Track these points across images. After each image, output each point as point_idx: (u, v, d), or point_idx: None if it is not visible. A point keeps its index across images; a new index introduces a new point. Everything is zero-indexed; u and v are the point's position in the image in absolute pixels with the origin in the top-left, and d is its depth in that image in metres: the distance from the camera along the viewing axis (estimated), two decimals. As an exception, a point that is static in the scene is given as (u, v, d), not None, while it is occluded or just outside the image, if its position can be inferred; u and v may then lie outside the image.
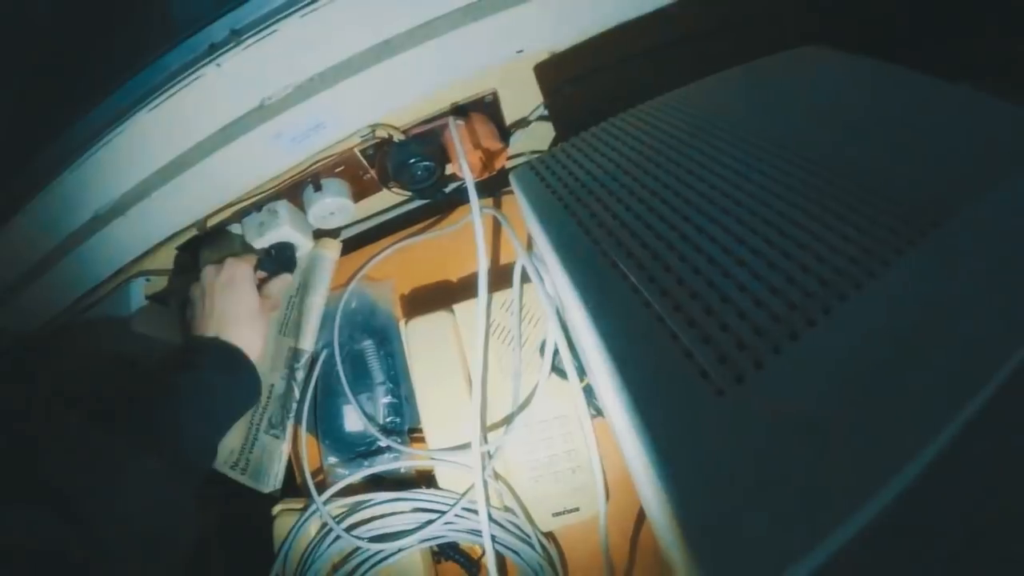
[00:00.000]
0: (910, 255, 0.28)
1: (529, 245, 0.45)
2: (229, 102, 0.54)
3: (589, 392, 0.48)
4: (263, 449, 0.57)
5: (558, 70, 0.58)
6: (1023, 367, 0.24)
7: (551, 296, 0.42)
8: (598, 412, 0.49)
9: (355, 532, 0.49)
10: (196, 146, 0.56)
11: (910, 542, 0.24)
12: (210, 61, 0.52)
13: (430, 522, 0.48)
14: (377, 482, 0.53)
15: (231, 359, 0.51)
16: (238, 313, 0.52)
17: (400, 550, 0.48)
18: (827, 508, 0.23)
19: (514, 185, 0.43)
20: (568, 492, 0.50)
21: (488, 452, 0.48)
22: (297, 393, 0.57)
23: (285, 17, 0.51)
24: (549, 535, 0.51)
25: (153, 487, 0.41)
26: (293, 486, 0.57)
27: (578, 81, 0.58)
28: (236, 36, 0.52)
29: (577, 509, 0.50)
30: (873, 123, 0.37)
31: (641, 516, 0.51)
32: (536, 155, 0.46)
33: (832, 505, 0.23)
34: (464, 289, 0.57)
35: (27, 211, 0.59)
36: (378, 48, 0.53)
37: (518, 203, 0.43)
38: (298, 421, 0.56)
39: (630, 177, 0.38)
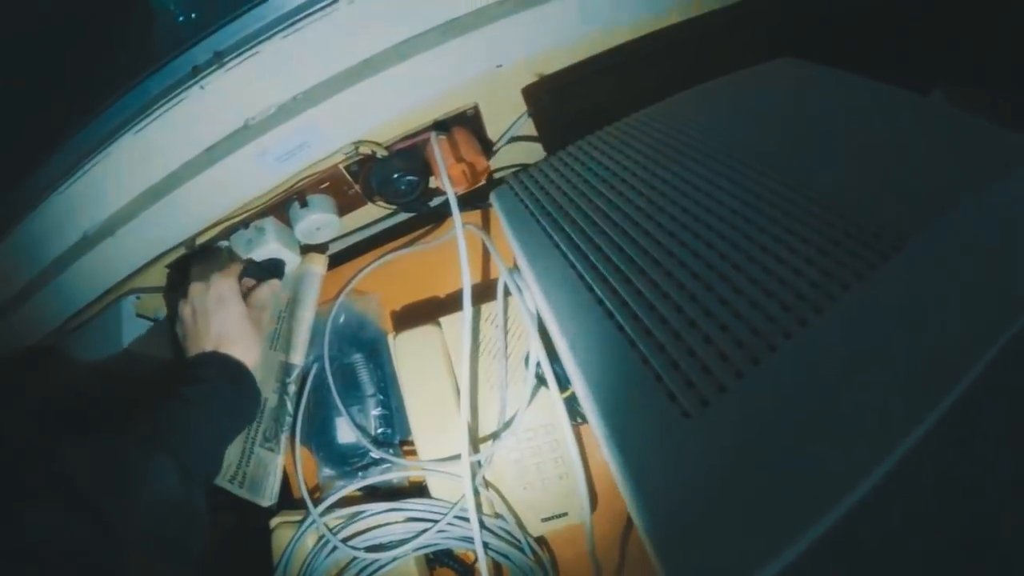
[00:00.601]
0: (870, 278, 0.30)
1: (514, 262, 0.47)
2: (213, 123, 0.55)
3: (573, 401, 0.50)
4: (259, 462, 0.59)
5: (540, 81, 0.59)
6: (974, 388, 0.26)
7: (532, 313, 0.43)
8: (584, 419, 0.51)
9: (352, 543, 0.51)
10: (182, 167, 0.57)
11: (866, 552, 0.26)
12: (194, 83, 0.53)
13: (424, 531, 0.50)
14: (372, 492, 0.56)
15: (234, 372, 0.53)
16: (230, 328, 0.54)
17: (395, 559, 0.50)
18: (786, 521, 0.25)
19: (494, 204, 0.45)
20: (556, 498, 0.52)
21: (478, 462, 0.50)
22: (290, 407, 0.59)
23: (267, 39, 0.52)
24: (540, 539, 0.53)
25: (168, 490, 0.43)
26: (290, 498, 0.59)
27: (560, 91, 0.59)
28: (219, 58, 0.53)
29: (566, 514, 0.52)
30: (843, 141, 0.39)
31: (630, 519, 0.53)
32: (516, 171, 0.48)
33: (791, 518, 0.25)
34: (451, 301, 0.59)
35: (16, 233, 0.60)
36: (359, 67, 0.54)
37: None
38: (292, 434, 0.58)
39: (605, 199, 0.39)
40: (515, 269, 0.46)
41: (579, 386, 0.34)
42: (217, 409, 0.50)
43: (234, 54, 0.53)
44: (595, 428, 0.32)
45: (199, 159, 0.57)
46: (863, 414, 0.27)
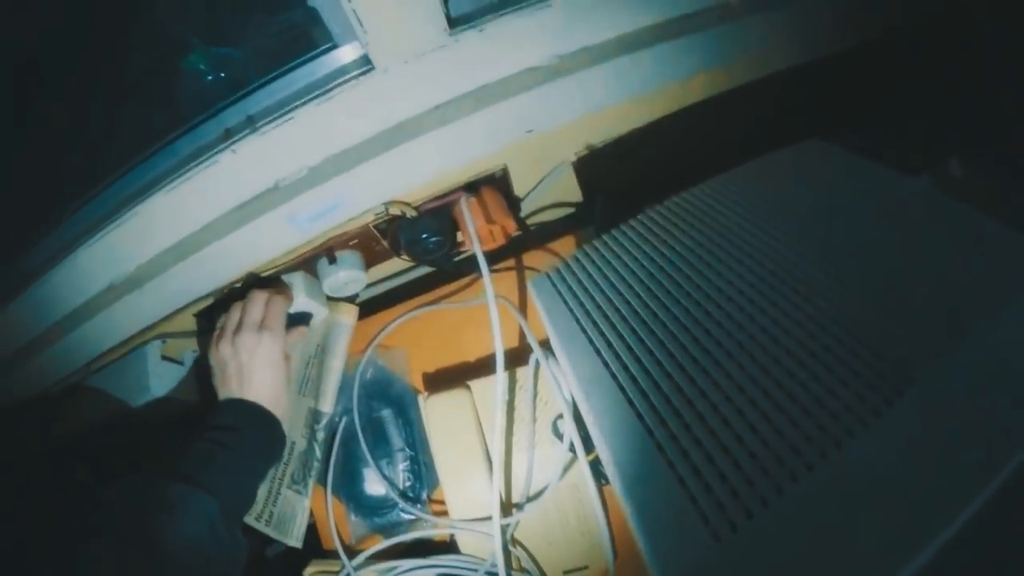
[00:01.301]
0: (886, 415, 0.35)
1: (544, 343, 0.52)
2: (245, 184, 0.59)
3: (596, 463, 0.56)
4: (287, 503, 0.64)
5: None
6: (968, 527, 0.32)
7: (568, 402, 0.48)
8: (607, 480, 0.57)
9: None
10: (212, 225, 0.61)
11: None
12: (226, 147, 0.56)
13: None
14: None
15: (264, 419, 0.57)
16: (268, 382, 0.58)
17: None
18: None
19: (532, 293, 0.49)
20: (578, 551, 0.58)
21: (507, 525, 0.56)
22: (319, 453, 0.64)
23: (302, 104, 0.56)
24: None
25: (212, 527, 0.48)
26: (317, 543, 0.64)
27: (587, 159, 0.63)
28: (252, 122, 0.56)
29: (587, 567, 0.58)
30: (866, 250, 0.43)
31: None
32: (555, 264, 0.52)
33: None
34: (478, 362, 0.64)
35: (43, 280, 0.64)
36: (390, 133, 0.58)
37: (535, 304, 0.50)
38: (322, 483, 0.63)
39: (642, 303, 0.44)
40: (549, 352, 0.51)
41: (618, 490, 0.39)
42: (252, 453, 0.55)
43: (268, 119, 0.56)
44: (634, 532, 0.37)
45: (229, 218, 0.60)
46: (867, 551, 0.32)
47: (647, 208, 0.51)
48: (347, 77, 0.55)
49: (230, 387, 0.58)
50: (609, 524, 0.55)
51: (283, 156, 0.58)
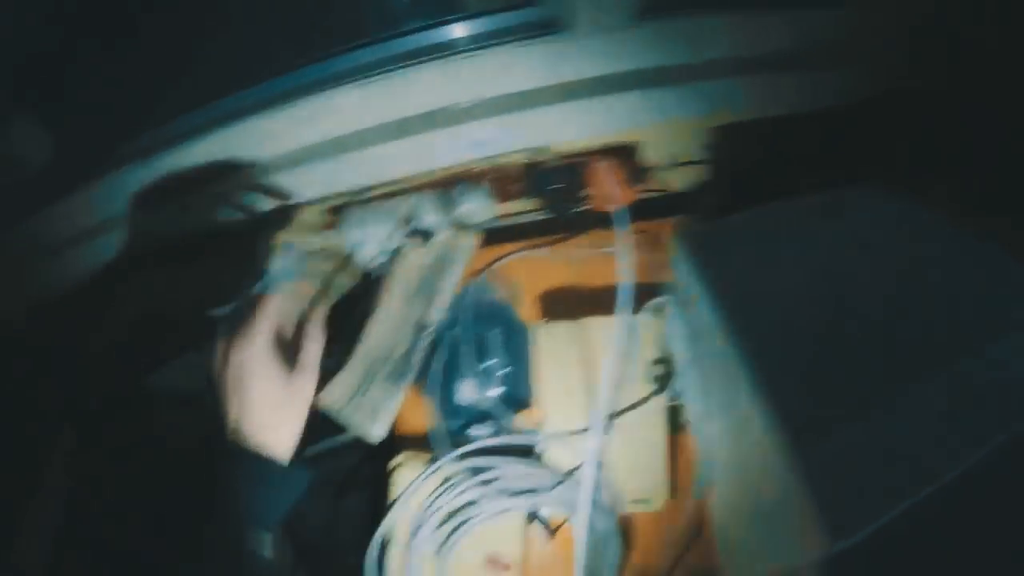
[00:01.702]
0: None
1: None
2: (428, 96, 0.67)
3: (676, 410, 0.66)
4: (378, 397, 0.67)
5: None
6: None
7: (682, 347, 0.58)
8: (678, 430, 0.67)
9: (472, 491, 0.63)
10: (381, 126, 0.68)
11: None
12: (431, 59, 0.64)
13: (535, 492, 0.63)
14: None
15: (250, 469, 0.51)
16: (253, 410, 0.51)
17: (508, 510, 0.63)
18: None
19: (677, 246, 0.59)
20: (644, 484, 0.67)
21: (598, 446, 0.64)
22: (421, 358, 0.70)
23: (498, 44, 0.64)
24: (622, 518, 0.67)
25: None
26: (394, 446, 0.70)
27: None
28: (455, 45, 0.64)
29: (649, 500, 0.67)
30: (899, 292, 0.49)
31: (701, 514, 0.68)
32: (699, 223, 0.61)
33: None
34: (586, 306, 0.72)
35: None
36: (560, 89, 0.67)
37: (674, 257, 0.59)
38: (419, 385, 0.69)
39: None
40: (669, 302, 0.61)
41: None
42: (241, 506, 0.50)
43: (474, 45, 0.65)
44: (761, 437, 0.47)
45: (395, 125, 0.68)
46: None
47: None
48: (545, 31, 0.65)
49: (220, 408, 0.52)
50: (674, 463, 0.65)
51: (469, 82, 0.66)
